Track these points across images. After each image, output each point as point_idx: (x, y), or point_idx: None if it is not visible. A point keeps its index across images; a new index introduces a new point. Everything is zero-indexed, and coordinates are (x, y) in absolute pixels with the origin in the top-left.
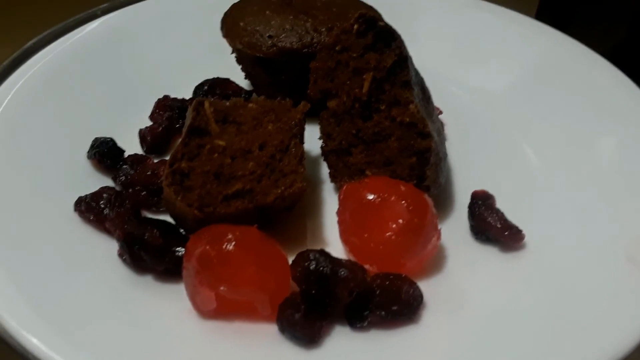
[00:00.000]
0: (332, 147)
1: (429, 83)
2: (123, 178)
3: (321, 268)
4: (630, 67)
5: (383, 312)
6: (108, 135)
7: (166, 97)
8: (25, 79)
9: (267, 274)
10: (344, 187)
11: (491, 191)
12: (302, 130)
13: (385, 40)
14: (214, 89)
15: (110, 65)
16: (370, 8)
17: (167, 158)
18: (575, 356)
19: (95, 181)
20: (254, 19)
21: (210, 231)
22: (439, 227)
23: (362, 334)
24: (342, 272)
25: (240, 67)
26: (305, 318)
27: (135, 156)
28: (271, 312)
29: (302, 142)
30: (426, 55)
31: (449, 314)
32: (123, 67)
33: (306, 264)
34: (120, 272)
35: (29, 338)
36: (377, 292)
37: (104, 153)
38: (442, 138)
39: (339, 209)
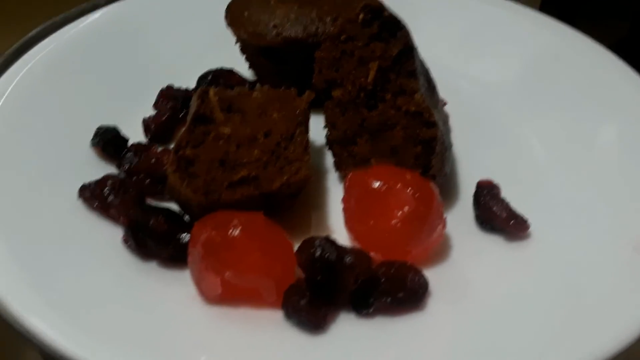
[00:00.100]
0: (337, 136)
1: (434, 75)
2: (127, 166)
3: (327, 255)
4: (634, 63)
5: (389, 299)
6: (112, 124)
7: (170, 87)
8: (29, 68)
9: (272, 260)
10: (350, 174)
11: (496, 181)
12: (307, 119)
13: (390, 29)
14: (217, 79)
15: (114, 55)
16: None
17: (171, 147)
18: (580, 345)
19: (99, 169)
20: (258, 9)
21: (215, 217)
22: (444, 216)
23: (367, 321)
24: (348, 259)
25: (244, 57)
26: (310, 304)
27: (139, 144)
28: (276, 299)
29: (307, 130)
30: (430, 48)
31: (454, 302)
32: (126, 57)
33: (312, 250)
34: (125, 258)
35: (34, 322)
36: (383, 279)
37: (108, 141)
38: (447, 128)
39: (344, 196)
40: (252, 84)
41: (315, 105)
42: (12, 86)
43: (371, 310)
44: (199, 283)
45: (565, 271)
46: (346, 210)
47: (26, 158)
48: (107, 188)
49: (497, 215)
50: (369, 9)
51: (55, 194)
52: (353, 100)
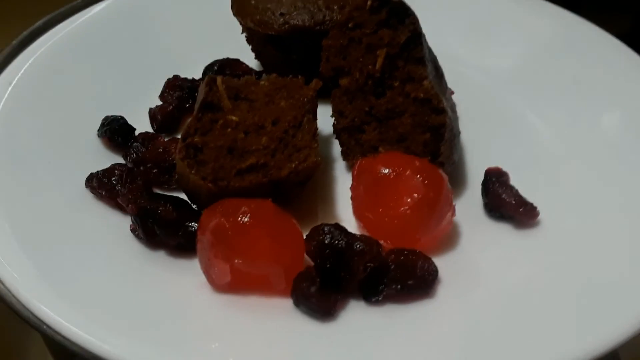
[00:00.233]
0: (345, 124)
1: (441, 64)
2: (134, 155)
3: (336, 241)
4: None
5: (398, 287)
6: (118, 114)
7: (176, 77)
8: (35, 58)
9: (282, 246)
10: (358, 161)
11: (505, 169)
12: (315, 106)
13: (398, 16)
14: (223, 69)
15: (120, 45)
16: None
17: (178, 137)
18: (591, 332)
19: (106, 159)
20: None
21: (224, 204)
22: (453, 203)
23: (377, 308)
24: (358, 246)
25: (250, 47)
26: (320, 291)
27: (146, 134)
28: (286, 286)
29: (315, 118)
30: (436, 37)
31: (464, 289)
32: (133, 47)
33: (321, 237)
34: (133, 247)
35: (44, 311)
36: (392, 266)
37: (115, 130)
38: (455, 116)
39: (352, 184)
40: (258, 74)
41: (322, 95)
42: (18, 76)
43: (381, 297)
44: (208, 271)
45: (575, 258)
46: (355, 198)
47: (34, 148)
48: (114, 177)
49: (506, 203)
50: None
51: (63, 183)
52: (361, 88)
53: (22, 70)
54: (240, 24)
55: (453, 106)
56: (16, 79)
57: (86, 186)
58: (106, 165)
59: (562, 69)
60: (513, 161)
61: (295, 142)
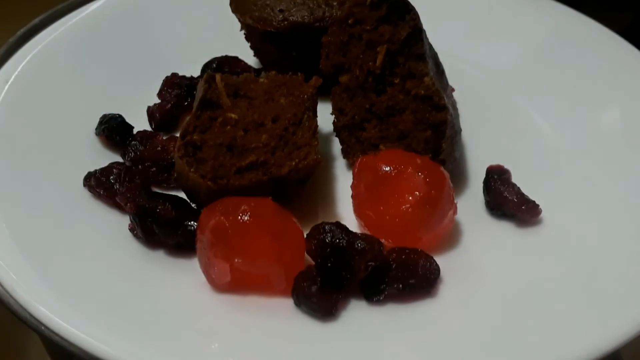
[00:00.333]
0: (345, 122)
1: (441, 61)
2: (132, 154)
3: (337, 240)
4: None
5: (400, 286)
6: (116, 113)
7: (174, 75)
8: (32, 56)
9: (282, 245)
10: (359, 159)
11: (506, 166)
12: (315, 104)
13: (399, 12)
14: (222, 67)
15: (118, 43)
16: None
17: (176, 135)
18: (594, 331)
19: (104, 158)
20: None
21: (224, 203)
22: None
23: (378, 307)
24: (359, 245)
25: (249, 44)
26: (321, 290)
27: (144, 132)
28: (286, 286)
29: (315, 115)
30: (437, 34)
31: (465, 288)
32: (130, 44)
33: (322, 236)
34: (132, 246)
35: (41, 311)
36: (394, 265)
37: (113, 129)
38: (456, 113)
39: (353, 182)
40: (257, 71)
41: (322, 93)
42: (16, 73)
43: (382, 297)
44: (207, 270)
45: (578, 256)
46: (355, 197)
47: (31, 147)
48: (112, 176)
49: (508, 200)
50: None
51: (61, 182)
52: (361, 85)
53: (19, 68)
54: (239, 20)
55: (454, 103)
56: (13, 77)
57: (84, 185)
58: (104, 164)
59: (564, 65)
60: (515, 158)
61: (296, 140)
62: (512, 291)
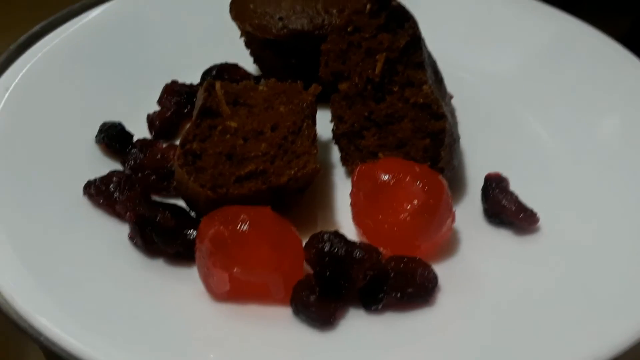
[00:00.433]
0: (344, 130)
1: (440, 68)
2: (132, 162)
3: (335, 249)
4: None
5: (398, 295)
6: (116, 120)
7: (174, 82)
8: (32, 64)
9: (281, 255)
10: (358, 167)
11: (505, 174)
12: (314, 112)
13: (398, 20)
14: (222, 74)
15: (118, 50)
16: None
17: (176, 142)
18: (591, 339)
19: (104, 166)
20: (263, 1)
21: (223, 212)
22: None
23: (376, 316)
24: (357, 253)
25: (248, 51)
26: (319, 300)
27: (144, 140)
28: (285, 295)
29: (314, 123)
30: (436, 41)
31: (463, 297)
32: (130, 52)
33: (320, 245)
34: (131, 255)
35: (41, 321)
36: (392, 274)
37: (113, 137)
38: (454, 120)
39: (352, 190)
40: (257, 79)
41: (321, 100)
42: (15, 82)
43: (380, 305)
44: (206, 280)
45: (576, 264)
46: (354, 205)
47: (31, 155)
48: (112, 184)
49: (506, 209)
50: None
51: (60, 191)
52: (360, 92)
53: (20, 75)
54: (239, 28)
55: (453, 111)
56: (13, 85)
57: (84, 194)
58: (104, 172)
59: (562, 72)
60: (513, 166)
61: (295, 149)
62: (510, 299)
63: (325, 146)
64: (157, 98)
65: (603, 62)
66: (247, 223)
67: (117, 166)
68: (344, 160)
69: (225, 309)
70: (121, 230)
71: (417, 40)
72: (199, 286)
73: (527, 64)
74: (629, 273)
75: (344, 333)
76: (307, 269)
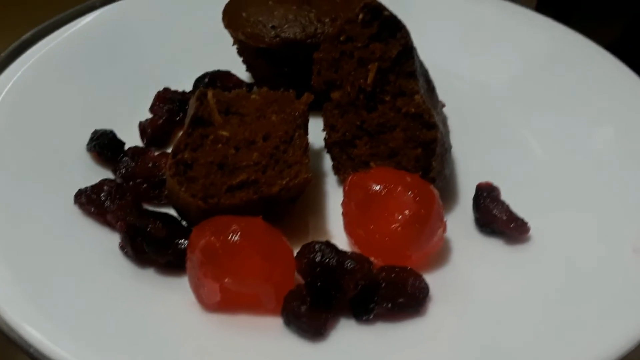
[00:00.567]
0: (336, 138)
1: (432, 77)
2: (124, 170)
3: (327, 260)
4: (629, 63)
5: (389, 305)
6: (107, 128)
7: (166, 90)
8: (23, 71)
9: (272, 265)
10: (350, 177)
11: (496, 184)
12: (306, 121)
13: (390, 30)
14: (214, 81)
15: (110, 58)
16: None
17: (168, 150)
18: (581, 348)
19: (95, 174)
20: (256, 10)
21: (214, 222)
22: (445, 219)
23: (367, 327)
24: (348, 264)
25: (241, 59)
26: (310, 310)
27: (136, 148)
28: (276, 305)
29: (306, 133)
30: (428, 49)
31: (455, 306)
32: (122, 59)
33: (312, 255)
34: (122, 265)
35: (30, 331)
36: (383, 284)
37: (104, 145)
38: (446, 130)
39: (343, 200)
40: (249, 86)
41: (314, 108)
42: (6, 89)
43: (372, 316)
44: (197, 290)
45: (566, 274)
46: (346, 215)
47: (21, 163)
48: (103, 193)
49: (497, 218)
50: (369, 8)
51: (51, 199)
52: (352, 102)
53: (10, 83)
54: (232, 36)
55: (444, 120)
56: (4, 92)
57: (75, 202)
58: (95, 180)
59: (553, 82)
60: (504, 176)
61: (286, 158)
62: (501, 309)
63: (318, 155)
64: (149, 105)
65: (594, 72)
66: (238, 233)
67: (109, 174)
68: (336, 169)
69: (216, 319)
70: (112, 239)
71: (409, 50)
72: (190, 296)
73: (519, 72)
74: (620, 281)
75: (335, 343)
76: (299, 279)
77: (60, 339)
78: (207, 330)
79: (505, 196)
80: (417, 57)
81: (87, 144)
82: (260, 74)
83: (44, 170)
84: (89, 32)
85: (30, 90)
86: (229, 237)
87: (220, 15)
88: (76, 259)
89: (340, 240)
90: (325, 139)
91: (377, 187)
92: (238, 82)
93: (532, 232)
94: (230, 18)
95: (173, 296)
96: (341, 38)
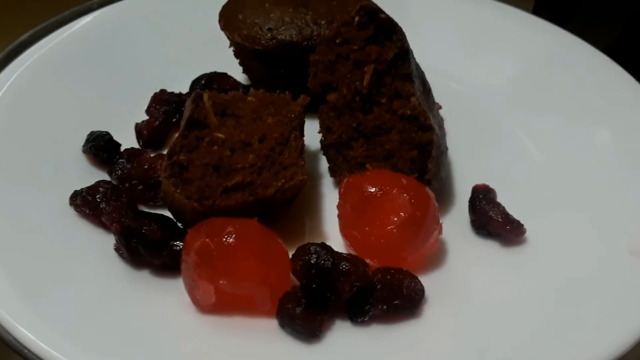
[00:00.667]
0: (332, 140)
1: (428, 79)
2: (119, 172)
3: (322, 262)
4: (626, 65)
5: (385, 306)
6: (104, 130)
7: (163, 92)
8: (20, 72)
9: (267, 267)
10: (345, 179)
11: (492, 186)
12: (302, 123)
13: (386, 32)
14: (211, 83)
15: (106, 59)
16: (370, 1)
17: (164, 152)
18: (577, 350)
19: (91, 175)
20: (252, 12)
21: (209, 224)
22: (440, 221)
23: (363, 329)
24: (344, 266)
25: (238, 61)
26: (306, 312)
27: (131, 150)
28: (271, 307)
29: (302, 135)
30: (424, 51)
31: (450, 308)
32: (119, 60)
33: (307, 257)
34: (117, 266)
35: (25, 333)
36: (378, 286)
37: (100, 147)
38: (442, 132)
39: (339, 202)
40: (246, 88)
41: (310, 110)
42: (3, 91)
43: (367, 317)
44: (192, 291)
45: (562, 276)
46: (341, 217)
47: (17, 164)
48: (99, 195)
49: (493, 220)
50: (365, 11)
51: (46, 200)
52: (348, 104)
53: (6, 84)
54: (228, 38)
55: (441, 122)
56: (1, 94)
57: (70, 204)
58: (91, 181)
59: (550, 84)
60: (500, 178)
61: (282, 160)
62: (497, 311)
63: (314, 157)
64: (145, 107)
65: (591, 74)
66: (233, 235)
67: (105, 176)
68: (332, 171)
69: (211, 320)
70: (107, 241)
71: (405, 52)
72: (185, 298)
73: (515, 75)
74: (614, 285)
75: (330, 345)
76: (294, 280)
77: (54, 340)
78: (202, 332)
79: (501, 198)
80: (413, 59)
81: (83, 146)
82: (256, 76)
83: (40, 171)
84: (86, 34)
85: (27, 91)
86: (224, 239)
87: (217, 18)
88: (71, 260)
89: (336, 242)
90: (321, 141)
91: (373, 189)
92: (234, 84)
93: (528, 234)
94: (227, 20)
95: (168, 298)
96: (337, 40)
